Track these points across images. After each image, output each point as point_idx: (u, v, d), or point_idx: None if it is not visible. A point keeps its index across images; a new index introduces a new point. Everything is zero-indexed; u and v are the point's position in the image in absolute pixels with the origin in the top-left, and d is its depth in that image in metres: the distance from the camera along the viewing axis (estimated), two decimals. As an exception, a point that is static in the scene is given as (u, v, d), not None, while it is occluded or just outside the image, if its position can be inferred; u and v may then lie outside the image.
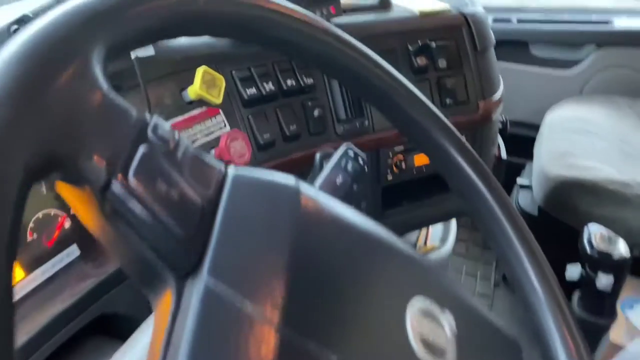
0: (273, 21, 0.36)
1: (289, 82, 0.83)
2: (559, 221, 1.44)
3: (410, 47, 0.95)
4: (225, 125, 0.75)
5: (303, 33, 0.39)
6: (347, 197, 0.59)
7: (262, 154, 0.79)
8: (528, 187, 1.68)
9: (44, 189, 0.64)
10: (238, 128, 0.77)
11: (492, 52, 1.06)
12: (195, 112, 0.72)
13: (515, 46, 1.95)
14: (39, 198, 0.64)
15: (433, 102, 0.98)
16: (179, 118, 0.70)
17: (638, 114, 1.72)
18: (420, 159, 1.00)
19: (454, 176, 0.48)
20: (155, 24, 0.29)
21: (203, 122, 0.72)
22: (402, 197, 1.03)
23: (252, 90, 0.79)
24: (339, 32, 0.42)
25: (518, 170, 1.87)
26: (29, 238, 0.62)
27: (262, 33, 0.36)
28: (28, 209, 0.64)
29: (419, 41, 0.96)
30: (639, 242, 1.33)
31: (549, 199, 1.45)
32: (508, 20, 1.99)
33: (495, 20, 1.97)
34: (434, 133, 0.47)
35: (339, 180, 0.57)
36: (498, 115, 1.12)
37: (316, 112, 0.85)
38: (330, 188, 0.57)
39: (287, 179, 0.31)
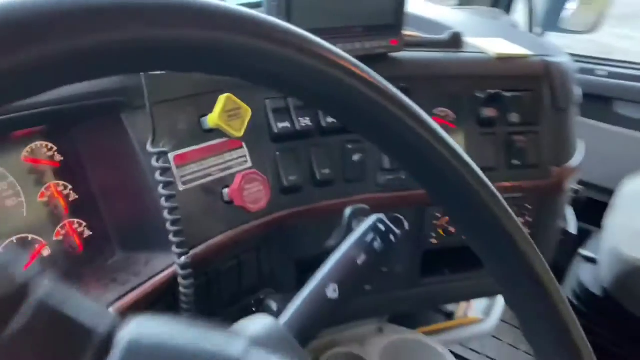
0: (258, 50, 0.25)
1: (328, 118, 0.71)
2: (625, 309, 1.25)
3: (479, 95, 0.82)
4: (246, 161, 0.64)
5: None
6: (367, 279, 0.46)
7: (286, 198, 0.68)
8: (593, 261, 1.49)
9: (24, 210, 0.56)
10: (262, 165, 0.66)
11: (574, 112, 0.91)
12: (214, 142, 0.61)
13: (595, 101, 1.77)
14: (18, 219, 0.55)
15: (497, 160, 0.85)
16: (193, 147, 0.60)
17: None
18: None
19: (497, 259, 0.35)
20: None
21: (221, 155, 0.62)
22: (445, 265, 0.89)
23: (284, 124, 0.68)
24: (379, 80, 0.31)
25: (583, 237, 1.67)
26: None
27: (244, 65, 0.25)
28: (1, 230, 0.55)
29: (489, 89, 0.82)
30: None
31: (618, 281, 1.26)
32: (590, 72, 1.81)
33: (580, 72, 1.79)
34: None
35: (361, 259, 0.45)
36: (572, 184, 0.96)
37: (356, 157, 0.73)
38: (349, 268, 0.45)
39: (229, 344, 0.19)
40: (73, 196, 0.59)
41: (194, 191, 0.59)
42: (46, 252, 0.57)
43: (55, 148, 0.59)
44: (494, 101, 0.82)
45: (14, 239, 0.55)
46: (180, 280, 0.56)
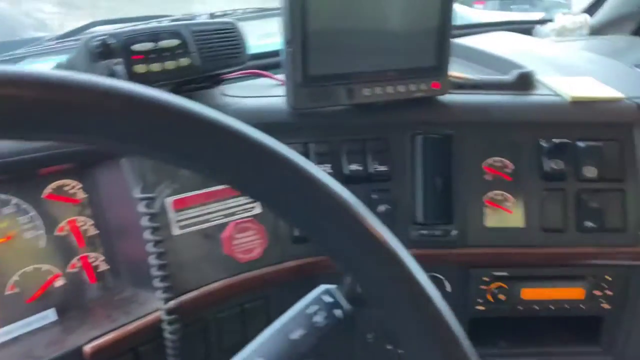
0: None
1: (352, 166, 0.67)
2: None
3: (543, 144, 0.71)
4: (253, 208, 0.63)
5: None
6: (303, 356, 0.42)
7: (297, 248, 0.65)
8: None
9: (43, 241, 0.61)
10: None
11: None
12: (217, 187, 0.61)
13: None
14: (34, 251, 0.60)
15: (565, 221, 0.72)
16: (194, 192, 0.60)
17: None
18: (534, 293, 0.74)
19: None
20: None
21: (224, 201, 0.61)
22: (499, 336, 0.78)
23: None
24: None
25: None
26: (8, 291, 0.58)
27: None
28: (16, 261, 0.60)
29: (559, 137, 0.71)
30: None
31: None
32: None
33: None
34: None
35: (297, 334, 0.41)
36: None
37: (382, 208, 0.68)
38: (279, 343, 0.41)
39: None
40: (91, 231, 0.63)
41: (190, 236, 0.59)
42: (59, 282, 0.61)
43: (80, 186, 0.63)
44: (562, 151, 0.71)
45: (30, 268, 0.60)
46: (165, 325, 0.56)
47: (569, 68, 0.88)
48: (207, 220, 0.60)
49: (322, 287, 0.43)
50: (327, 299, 0.42)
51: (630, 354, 0.79)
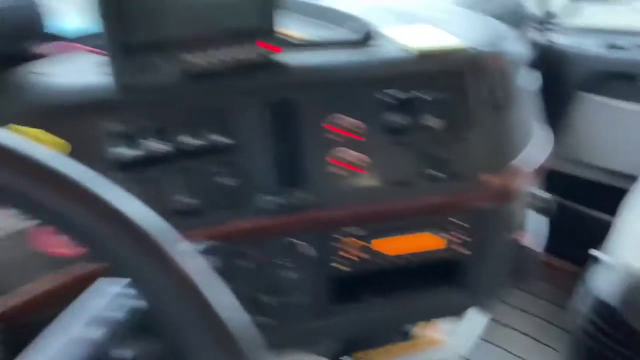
0: None
1: (190, 140, 0.64)
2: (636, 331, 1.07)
3: (385, 99, 0.71)
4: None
5: None
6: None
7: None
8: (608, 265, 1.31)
9: None
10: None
11: (515, 109, 0.77)
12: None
13: (619, 79, 1.55)
14: None
15: (411, 174, 0.74)
16: None
17: None
18: (392, 247, 0.75)
19: None
20: None
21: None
22: (366, 291, 0.79)
23: (131, 151, 0.61)
24: None
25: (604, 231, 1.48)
26: None
27: None
28: None
29: (403, 90, 0.71)
30: None
31: (625, 298, 1.08)
32: (618, 47, 1.58)
33: (610, 47, 1.57)
34: None
35: (95, 334, 0.38)
36: (528, 192, 0.82)
37: (227, 181, 0.65)
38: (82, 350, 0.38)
39: None
40: None
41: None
42: None
43: None
44: (406, 105, 0.71)
45: None
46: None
47: (411, 17, 0.87)
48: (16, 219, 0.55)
49: (101, 281, 0.40)
50: (113, 290, 0.39)
51: (489, 294, 0.84)
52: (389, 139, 0.72)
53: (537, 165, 0.81)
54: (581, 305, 1.19)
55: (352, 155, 0.71)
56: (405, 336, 0.99)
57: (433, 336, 1.00)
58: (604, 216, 1.51)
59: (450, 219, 0.76)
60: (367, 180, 0.71)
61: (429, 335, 1.00)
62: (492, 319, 1.43)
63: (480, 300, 0.84)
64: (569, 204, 1.65)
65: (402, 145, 0.72)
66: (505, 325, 1.47)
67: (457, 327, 1.01)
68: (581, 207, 1.64)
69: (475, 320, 1.02)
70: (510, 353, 1.41)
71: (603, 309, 1.11)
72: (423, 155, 0.72)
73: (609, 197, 1.37)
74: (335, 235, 0.73)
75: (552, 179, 1.66)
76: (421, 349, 0.98)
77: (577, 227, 1.58)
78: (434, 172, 0.72)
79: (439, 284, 0.81)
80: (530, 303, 1.53)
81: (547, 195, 0.86)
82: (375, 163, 0.71)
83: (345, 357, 0.97)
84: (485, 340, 1.38)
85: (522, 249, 0.84)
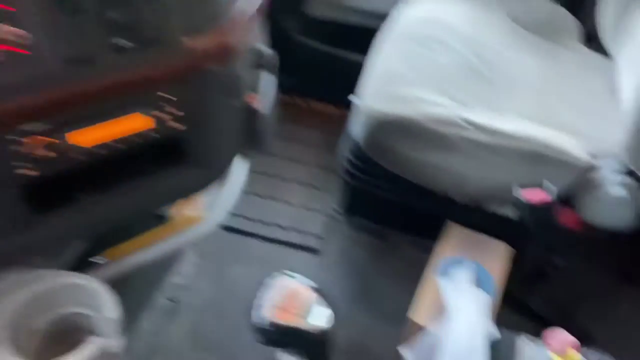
0: None
1: None
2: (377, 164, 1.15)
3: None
4: None
5: None
6: None
7: None
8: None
9: None
10: None
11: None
12: None
13: None
14: None
15: (94, 48, 0.60)
16: None
17: (506, 15, 1.38)
18: (90, 137, 0.64)
19: None
20: None
21: None
22: (80, 190, 0.69)
23: None
24: None
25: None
26: None
27: None
28: None
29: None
30: (464, 192, 1.08)
31: (366, 136, 1.14)
32: None
33: None
34: None
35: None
36: (248, 49, 0.75)
37: None
38: None
39: None
40: None
41: None
42: None
43: None
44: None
45: None
46: None
47: None
48: None
49: None
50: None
51: (223, 165, 0.79)
52: (53, 5, 0.56)
53: (253, 12, 0.73)
54: (343, 148, 1.24)
55: (15, 33, 0.55)
56: (162, 220, 0.93)
57: (190, 214, 0.96)
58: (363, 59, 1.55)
59: (159, 93, 0.66)
60: (33, 62, 0.56)
61: (186, 215, 0.95)
62: (264, 173, 1.44)
63: (215, 173, 0.79)
64: (331, 49, 1.65)
65: (72, 12, 0.57)
66: (278, 176, 1.49)
67: (215, 199, 0.97)
68: (342, 51, 1.65)
69: (232, 187, 0.99)
70: (290, 204, 1.45)
71: (355, 149, 1.16)
72: (103, 22, 0.59)
73: (367, 39, 1.38)
74: (11, 137, 0.59)
75: (310, 24, 1.65)
76: (179, 230, 0.94)
77: (340, 72, 1.61)
78: (120, 42, 0.60)
79: (164, 165, 0.74)
80: (299, 152, 1.56)
81: (268, 50, 0.79)
82: (40, 39, 0.56)
83: (97, 257, 0.88)
84: (257, 195, 1.40)
85: (254, 112, 0.79)
